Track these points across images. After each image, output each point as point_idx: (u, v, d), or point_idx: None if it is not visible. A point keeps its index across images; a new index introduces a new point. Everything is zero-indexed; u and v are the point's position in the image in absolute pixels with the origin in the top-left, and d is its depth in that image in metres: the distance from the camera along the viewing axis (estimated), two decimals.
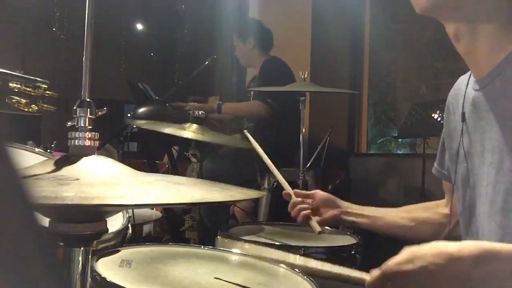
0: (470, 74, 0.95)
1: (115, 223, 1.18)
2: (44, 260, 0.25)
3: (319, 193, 1.36)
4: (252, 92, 2.92)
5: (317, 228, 1.25)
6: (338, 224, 1.44)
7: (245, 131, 1.58)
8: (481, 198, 0.90)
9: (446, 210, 1.16)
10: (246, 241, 1.35)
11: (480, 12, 0.84)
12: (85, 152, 0.65)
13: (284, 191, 1.39)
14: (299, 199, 1.34)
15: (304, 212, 1.29)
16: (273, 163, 1.39)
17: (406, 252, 0.73)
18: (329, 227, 1.52)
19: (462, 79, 1.01)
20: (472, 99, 0.92)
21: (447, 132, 1.07)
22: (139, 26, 6.76)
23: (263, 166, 1.46)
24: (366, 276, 0.81)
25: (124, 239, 1.20)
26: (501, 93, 0.84)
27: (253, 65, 3.00)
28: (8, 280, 0.23)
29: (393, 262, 0.74)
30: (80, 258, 0.62)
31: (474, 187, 0.93)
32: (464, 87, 0.96)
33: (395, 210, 1.28)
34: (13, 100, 1.48)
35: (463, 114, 0.95)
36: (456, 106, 1.01)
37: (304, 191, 1.40)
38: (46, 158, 0.97)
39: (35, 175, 0.58)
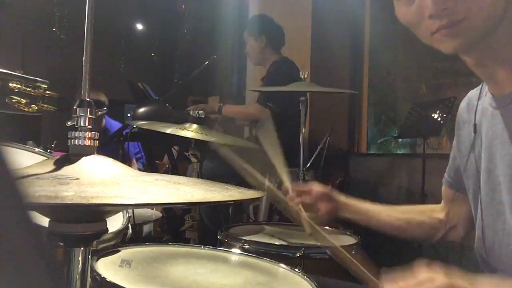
0: (481, 88, 0.95)
1: (115, 223, 1.19)
2: (42, 261, 0.25)
3: (315, 186, 1.25)
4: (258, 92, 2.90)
5: (308, 229, 1.12)
6: (334, 219, 1.33)
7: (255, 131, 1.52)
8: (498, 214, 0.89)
9: (441, 216, 1.16)
10: (246, 241, 1.35)
11: (497, 39, 0.81)
12: (85, 151, 0.65)
13: (282, 186, 1.25)
14: (294, 194, 1.21)
15: (296, 207, 1.16)
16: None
17: (425, 273, 0.74)
18: (328, 226, 1.51)
19: (474, 93, 1.00)
20: (490, 115, 0.91)
21: (458, 146, 1.05)
22: (139, 26, 6.76)
23: (263, 166, 1.43)
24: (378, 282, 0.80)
25: (124, 239, 1.20)
26: None
27: (264, 63, 2.93)
28: (7, 280, 0.23)
29: (412, 282, 0.73)
30: (80, 258, 0.62)
31: (488, 202, 0.92)
32: (476, 101, 0.96)
33: (391, 210, 1.27)
34: (13, 100, 1.48)
35: (475, 126, 0.95)
36: (468, 119, 1.00)
37: (300, 186, 1.27)
38: (46, 158, 0.97)
39: (35, 174, 0.58)
